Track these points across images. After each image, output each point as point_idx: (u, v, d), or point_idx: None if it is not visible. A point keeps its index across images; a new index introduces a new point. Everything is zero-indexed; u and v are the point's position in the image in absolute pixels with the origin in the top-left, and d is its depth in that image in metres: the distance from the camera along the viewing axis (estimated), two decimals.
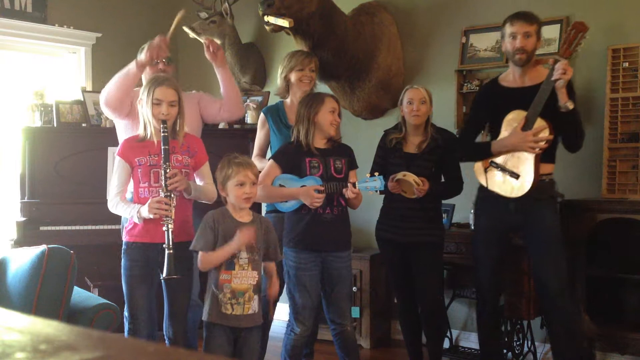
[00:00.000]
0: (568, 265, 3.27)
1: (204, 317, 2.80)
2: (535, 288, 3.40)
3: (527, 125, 3.05)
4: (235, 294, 2.74)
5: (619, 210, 3.47)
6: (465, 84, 4.26)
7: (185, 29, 4.79)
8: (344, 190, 3.03)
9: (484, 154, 3.23)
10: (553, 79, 2.99)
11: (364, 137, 4.39)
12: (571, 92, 3.07)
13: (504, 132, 3.17)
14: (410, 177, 3.21)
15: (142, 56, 3.22)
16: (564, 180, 3.84)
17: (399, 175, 3.24)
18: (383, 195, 3.54)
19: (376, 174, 3.03)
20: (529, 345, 3.87)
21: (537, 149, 3.04)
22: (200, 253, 2.76)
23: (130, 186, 2.99)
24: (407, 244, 3.40)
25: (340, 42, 4.09)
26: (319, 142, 3.16)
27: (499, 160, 3.19)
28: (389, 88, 4.44)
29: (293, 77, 3.54)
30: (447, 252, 3.69)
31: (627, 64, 3.69)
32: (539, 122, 3.04)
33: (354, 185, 3.03)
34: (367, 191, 3.00)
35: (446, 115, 4.11)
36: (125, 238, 2.97)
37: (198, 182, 3.03)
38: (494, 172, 3.21)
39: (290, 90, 3.61)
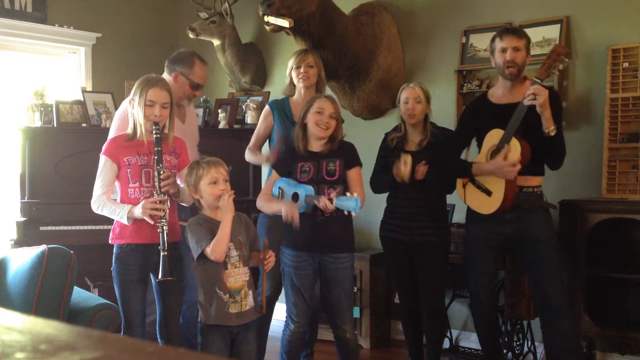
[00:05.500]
0: (568, 268, 3.27)
1: (201, 320, 2.75)
2: (536, 307, 3.36)
3: (500, 144, 3.08)
4: (231, 292, 2.71)
5: (619, 210, 3.47)
6: (465, 84, 4.26)
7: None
8: (316, 203, 2.95)
9: (463, 174, 3.27)
10: (525, 103, 3.01)
11: (364, 137, 4.38)
12: (558, 113, 3.09)
13: (483, 150, 3.21)
14: (408, 158, 3.27)
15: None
16: (564, 180, 3.85)
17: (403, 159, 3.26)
18: (385, 196, 3.55)
19: (355, 194, 2.89)
20: (529, 345, 3.87)
21: (512, 176, 3.06)
22: (209, 246, 2.66)
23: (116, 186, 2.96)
24: (413, 243, 3.40)
25: (340, 42, 4.09)
26: (315, 145, 3.13)
27: (477, 176, 3.23)
28: (389, 88, 4.44)
29: (294, 75, 3.56)
30: None
31: (627, 64, 3.69)
32: (514, 144, 3.06)
33: (331, 201, 2.91)
34: (342, 209, 2.90)
35: (446, 115, 4.11)
36: (115, 241, 2.93)
37: (178, 182, 3.00)
38: (471, 188, 3.25)
39: (296, 88, 3.62)
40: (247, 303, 2.75)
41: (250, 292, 2.78)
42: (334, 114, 3.10)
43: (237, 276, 2.73)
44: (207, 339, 2.75)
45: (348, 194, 2.90)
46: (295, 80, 3.56)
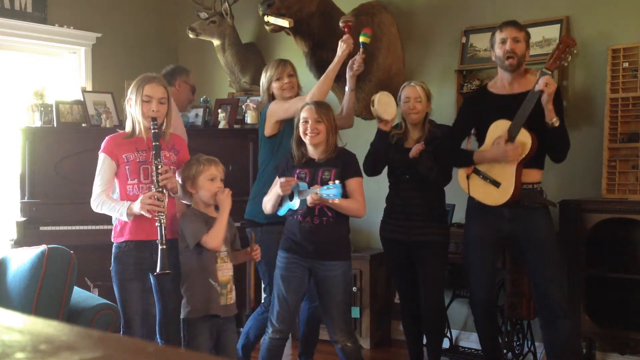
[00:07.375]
0: (568, 268, 3.27)
1: (187, 315, 2.84)
2: (536, 305, 3.36)
3: (510, 137, 3.07)
4: (221, 285, 2.86)
5: (619, 210, 3.47)
6: (465, 84, 4.26)
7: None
8: (308, 199, 2.94)
9: (465, 163, 3.26)
10: (536, 88, 3.01)
11: (364, 137, 4.38)
12: (559, 108, 3.10)
13: (488, 141, 3.19)
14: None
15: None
16: (564, 180, 3.85)
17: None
18: (385, 195, 3.55)
19: (337, 181, 2.85)
20: (529, 345, 3.87)
21: (517, 158, 3.06)
22: (207, 235, 2.79)
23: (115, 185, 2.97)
24: (412, 243, 3.40)
25: None
26: (313, 152, 3.10)
27: (482, 167, 3.21)
28: (389, 88, 4.41)
29: (275, 87, 3.54)
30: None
31: (627, 64, 3.69)
32: (523, 134, 3.05)
33: (316, 194, 2.89)
34: (326, 198, 2.85)
35: (446, 115, 4.10)
36: (116, 240, 2.94)
37: (177, 179, 3.01)
38: (476, 179, 3.23)
39: (277, 97, 3.58)
40: (232, 297, 2.89)
41: (233, 287, 2.91)
42: (319, 119, 3.02)
43: (225, 270, 2.88)
44: (193, 331, 2.83)
45: (330, 182, 2.88)
46: (277, 92, 3.52)
